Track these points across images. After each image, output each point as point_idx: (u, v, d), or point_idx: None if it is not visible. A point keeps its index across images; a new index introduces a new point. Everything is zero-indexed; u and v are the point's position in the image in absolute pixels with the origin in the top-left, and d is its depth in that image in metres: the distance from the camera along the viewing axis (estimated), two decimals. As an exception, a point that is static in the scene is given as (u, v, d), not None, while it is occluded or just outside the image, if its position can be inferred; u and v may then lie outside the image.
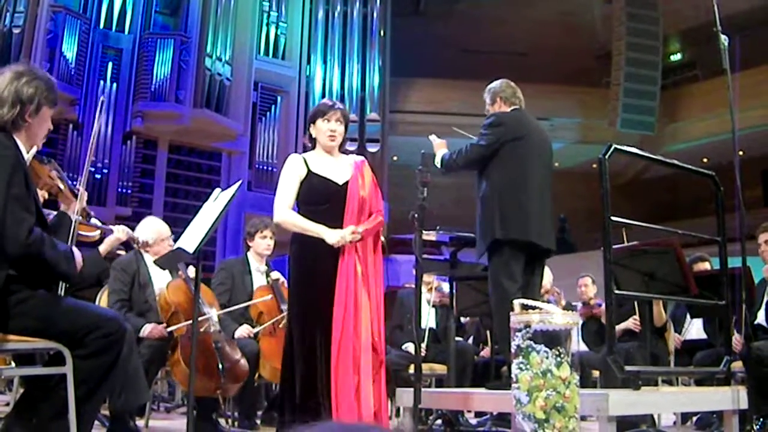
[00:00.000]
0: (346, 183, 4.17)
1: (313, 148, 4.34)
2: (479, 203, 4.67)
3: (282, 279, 5.87)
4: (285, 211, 4.12)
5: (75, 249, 3.20)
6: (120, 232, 4.84)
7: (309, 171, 4.16)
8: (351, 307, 3.95)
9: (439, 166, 4.78)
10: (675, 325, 6.43)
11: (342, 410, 3.79)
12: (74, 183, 3.67)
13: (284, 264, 6.45)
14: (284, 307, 5.42)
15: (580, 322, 6.67)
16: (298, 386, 3.92)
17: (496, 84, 4.97)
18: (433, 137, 5.01)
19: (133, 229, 4.93)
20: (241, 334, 5.43)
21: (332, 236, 4.03)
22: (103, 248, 4.99)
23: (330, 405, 3.81)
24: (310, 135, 4.29)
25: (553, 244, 4.65)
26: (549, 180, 4.76)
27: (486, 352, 7.12)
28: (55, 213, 3.57)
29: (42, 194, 3.53)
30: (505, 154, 4.59)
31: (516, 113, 4.79)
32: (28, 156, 3.11)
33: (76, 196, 3.50)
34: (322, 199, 4.12)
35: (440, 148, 4.90)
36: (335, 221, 4.08)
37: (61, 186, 3.48)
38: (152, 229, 5.27)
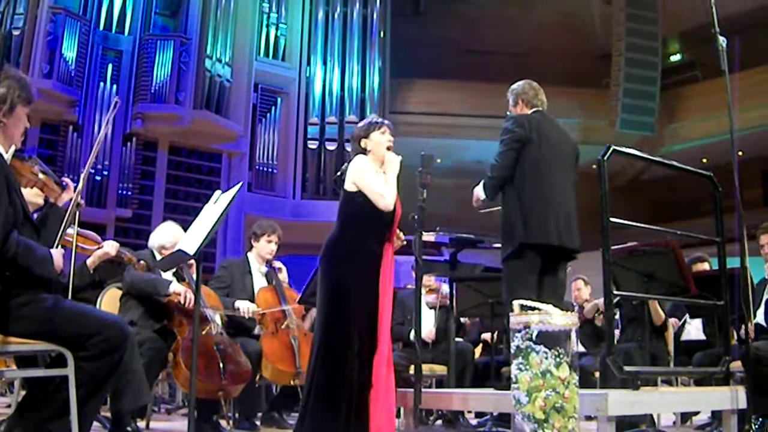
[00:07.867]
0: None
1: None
2: (502, 208, 4.67)
3: (284, 269, 5.95)
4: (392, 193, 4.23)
5: (55, 251, 3.17)
6: (109, 247, 4.93)
7: None
8: (390, 313, 4.07)
9: (484, 196, 4.73)
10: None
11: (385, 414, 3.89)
12: (75, 184, 3.64)
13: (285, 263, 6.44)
14: (285, 305, 5.49)
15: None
16: (346, 388, 3.94)
17: (518, 85, 4.95)
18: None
19: (139, 231, 5.00)
20: (244, 308, 5.46)
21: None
22: (90, 261, 5.07)
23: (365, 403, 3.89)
24: (364, 149, 4.35)
25: (577, 245, 4.61)
26: (572, 181, 4.74)
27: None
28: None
29: (38, 193, 3.52)
30: (524, 157, 4.59)
31: (533, 115, 4.76)
32: (7, 156, 3.10)
33: (61, 186, 3.47)
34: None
35: (477, 188, 4.81)
36: (384, 231, 4.22)
37: (46, 180, 3.44)
38: (169, 233, 5.38)
